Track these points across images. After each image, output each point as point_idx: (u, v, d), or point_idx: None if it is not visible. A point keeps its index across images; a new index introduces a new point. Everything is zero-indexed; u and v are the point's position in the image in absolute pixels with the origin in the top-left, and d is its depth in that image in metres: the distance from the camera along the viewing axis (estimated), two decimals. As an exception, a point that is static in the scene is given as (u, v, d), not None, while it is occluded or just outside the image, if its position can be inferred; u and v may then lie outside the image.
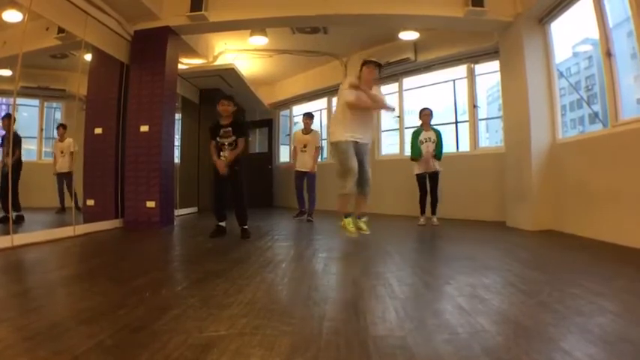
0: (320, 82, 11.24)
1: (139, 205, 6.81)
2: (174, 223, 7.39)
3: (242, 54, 9.98)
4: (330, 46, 9.54)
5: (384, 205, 9.27)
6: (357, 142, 4.89)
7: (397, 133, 9.78)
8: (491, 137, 10.51)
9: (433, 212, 7.09)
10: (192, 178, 10.43)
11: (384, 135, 10.25)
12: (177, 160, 8.78)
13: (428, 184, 7.07)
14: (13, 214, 5.36)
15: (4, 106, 6.10)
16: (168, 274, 3.61)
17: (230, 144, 5.47)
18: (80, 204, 6.63)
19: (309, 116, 8.07)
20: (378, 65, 5.00)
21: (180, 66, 8.10)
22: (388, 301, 2.50)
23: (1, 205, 5.34)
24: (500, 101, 7.46)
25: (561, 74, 6.48)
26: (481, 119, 8.52)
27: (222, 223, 5.64)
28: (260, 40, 8.96)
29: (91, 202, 6.81)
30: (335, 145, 4.92)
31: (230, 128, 5.48)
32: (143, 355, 1.69)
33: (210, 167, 5.69)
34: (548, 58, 6.40)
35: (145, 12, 6.67)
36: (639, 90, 5.10)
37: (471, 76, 8.42)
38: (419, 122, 7.28)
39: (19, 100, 6.37)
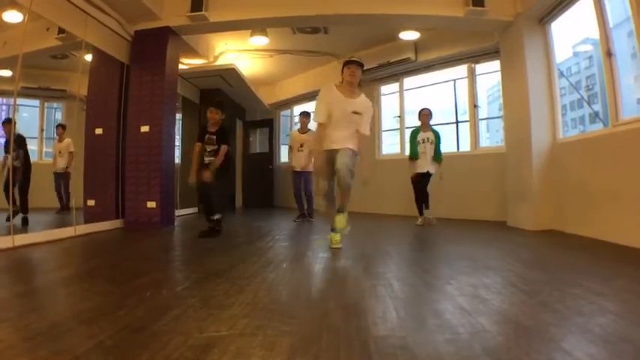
0: (321, 82, 11.18)
1: (140, 206, 6.82)
2: (175, 224, 7.39)
3: (243, 54, 9.98)
4: (331, 46, 9.54)
5: (384, 205, 9.28)
6: (333, 150, 4.54)
7: (398, 133, 9.78)
8: (491, 137, 10.51)
9: (427, 207, 7.09)
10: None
11: (384, 135, 10.25)
12: (177, 160, 8.77)
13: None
14: (19, 216, 5.39)
15: (4, 107, 6.10)
16: (168, 274, 3.61)
17: (211, 151, 5.55)
18: (77, 204, 6.61)
19: (305, 115, 7.98)
20: (360, 65, 4.67)
21: (180, 66, 8.10)
22: (389, 301, 2.50)
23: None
24: (501, 101, 7.47)
25: (562, 74, 6.48)
26: (482, 119, 8.53)
27: (216, 218, 5.67)
28: (260, 40, 8.97)
29: (91, 203, 6.82)
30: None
31: (215, 136, 5.57)
32: (143, 355, 1.69)
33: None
34: (548, 58, 6.40)
35: (146, 12, 6.67)
36: (639, 90, 5.10)
37: (472, 75, 8.42)
38: (418, 122, 7.26)
39: (20, 101, 6.37)
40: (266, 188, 12.79)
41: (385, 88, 10.16)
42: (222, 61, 9.61)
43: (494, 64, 7.86)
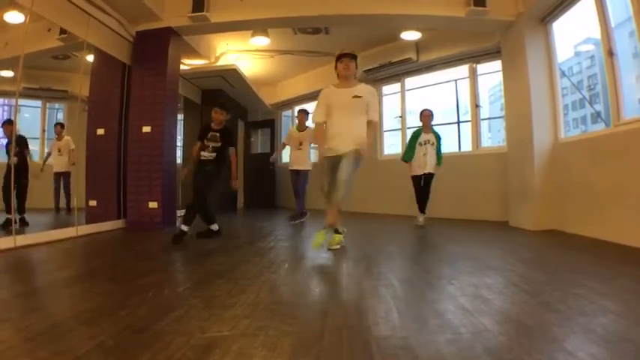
0: (322, 82, 11.16)
1: (141, 206, 6.83)
2: (177, 224, 7.38)
3: (244, 54, 9.99)
4: (332, 46, 9.52)
5: (385, 205, 9.28)
6: (334, 156, 4.50)
7: (399, 133, 9.78)
8: (493, 137, 10.48)
9: (422, 211, 7.05)
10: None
11: (386, 135, 10.25)
12: (179, 160, 8.78)
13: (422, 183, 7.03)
14: (17, 217, 5.38)
15: (6, 107, 6.11)
16: (170, 274, 3.61)
17: (214, 148, 5.52)
18: (78, 205, 6.61)
19: (303, 112, 7.90)
20: (352, 57, 4.64)
21: (182, 67, 8.09)
22: (390, 302, 2.50)
23: (5, 207, 5.37)
24: (503, 101, 7.47)
25: (563, 74, 6.47)
26: (483, 119, 8.52)
27: (185, 228, 5.38)
28: (262, 41, 8.97)
29: (93, 203, 6.82)
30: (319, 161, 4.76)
31: (218, 134, 5.55)
32: (145, 355, 1.69)
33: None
34: (550, 58, 6.39)
35: (147, 13, 6.68)
36: (641, 89, 5.10)
37: (473, 75, 8.41)
38: (420, 123, 7.24)
39: (21, 102, 6.36)
40: (268, 188, 12.79)
41: (387, 89, 10.15)
42: (223, 62, 9.62)
43: (496, 64, 7.85)
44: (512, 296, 2.62)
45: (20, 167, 5.52)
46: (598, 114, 5.94)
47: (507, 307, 2.41)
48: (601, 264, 3.77)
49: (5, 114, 6.09)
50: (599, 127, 5.84)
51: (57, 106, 7.34)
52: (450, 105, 8.92)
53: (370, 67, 9.41)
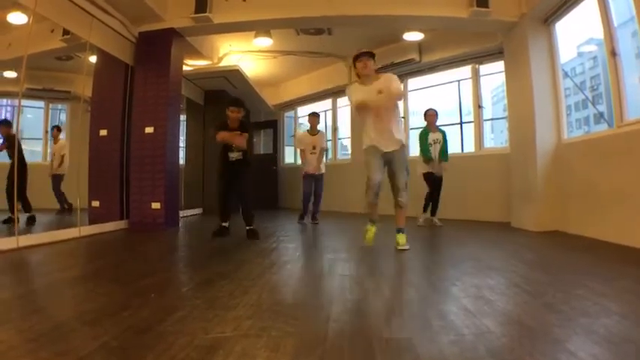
0: (325, 83, 11.24)
1: (144, 207, 6.83)
2: (180, 225, 7.40)
3: (247, 55, 9.99)
4: (335, 47, 9.54)
5: (387, 205, 9.27)
6: (384, 152, 4.57)
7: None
8: (496, 138, 10.51)
9: (433, 214, 7.09)
10: (197, 179, 10.46)
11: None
12: (181, 161, 8.79)
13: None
14: (24, 215, 5.40)
15: (9, 108, 6.13)
16: (173, 275, 3.61)
17: (237, 147, 5.48)
18: (81, 205, 6.62)
19: (315, 115, 7.79)
20: (370, 54, 4.65)
21: (184, 67, 8.11)
22: (393, 302, 2.50)
23: (9, 206, 5.40)
24: (505, 102, 7.45)
25: (566, 74, 6.47)
26: (486, 120, 8.52)
27: (226, 224, 5.65)
28: (264, 42, 8.97)
29: (96, 204, 6.83)
30: (363, 152, 4.71)
31: (238, 132, 5.48)
32: (148, 356, 1.69)
33: (213, 167, 5.69)
34: (553, 59, 6.38)
35: (150, 14, 6.69)
36: (644, 90, 5.09)
37: (476, 76, 8.41)
38: (424, 123, 7.25)
39: (25, 102, 6.40)
40: (270, 189, 12.79)
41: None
42: (226, 63, 9.63)
43: (499, 65, 7.84)
44: (515, 297, 2.62)
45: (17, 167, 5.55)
46: (601, 114, 5.94)
47: (510, 309, 2.41)
48: (603, 265, 3.77)
49: (8, 115, 6.11)
50: (602, 128, 5.82)
51: (60, 106, 7.36)
52: (452, 106, 8.92)
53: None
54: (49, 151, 7.13)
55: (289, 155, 13.38)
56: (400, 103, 5.04)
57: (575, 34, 6.60)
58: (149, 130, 6.87)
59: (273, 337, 1.92)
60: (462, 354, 1.72)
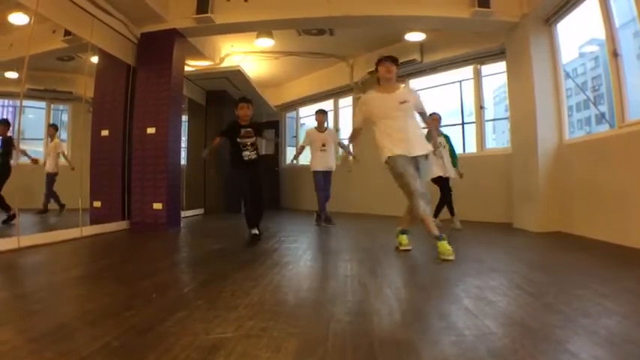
0: (326, 83, 11.25)
1: (146, 207, 6.84)
2: (181, 225, 7.40)
3: (248, 56, 10.00)
4: (336, 47, 9.55)
5: (390, 206, 9.27)
6: (413, 157, 4.34)
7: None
8: (498, 138, 10.49)
9: (452, 213, 6.96)
10: (198, 179, 10.46)
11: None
12: (183, 161, 8.80)
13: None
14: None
15: (10, 109, 6.14)
16: (175, 275, 3.61)
17: (252, 144, 5.40)
18: (83, 206, 6.61)
19: (322, 112, 7.65)
20: (394, 61, 4.48)
21: (186, 68, 8.11)
22: (394, 303, 2.50)
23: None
24: (507, 102, 7.45)
25: (568, 75, 6.46)
26: (488, 120, 8.50)
27: (256, 230, 5.44)
28: (266, 42, 8.98)
29: (97, 204, 6.84)
30: (388, 163, 4.38)
31: (250, 129, 5.40)
32: (149, 356, 1.69)
33: (219, 168, 5.67)
34: (554, 59, 6.37)
35: (151, 14, 6.69)
36: (646, 90, 5.08)
37: (478, 77, 8.40)
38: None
39: (26, 103, 6.40)
40: (272, 190, 12.77)
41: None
42: (227, 63, 9.63)
43: (500, 65, 7.84)
44: (516, 298, 2.62)
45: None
46: (602, 115, 5.93)
47: (511, 309, 2.41)
48: (604, 266, 3.77)
49: (10, 115, 6.11)
50: (604, 129, 5.82)
51: (61, 107, 7.36)
52: (454, 106, 8.92)
53: (374, 69, 9.40)
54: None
55: (291, 156, 13.32)
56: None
57: (577, 35, 6.58)
58: (151, 130, 6.87)
59: (274, 337, 1.92)
60: (463, 354, 1.72)
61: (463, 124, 8.75)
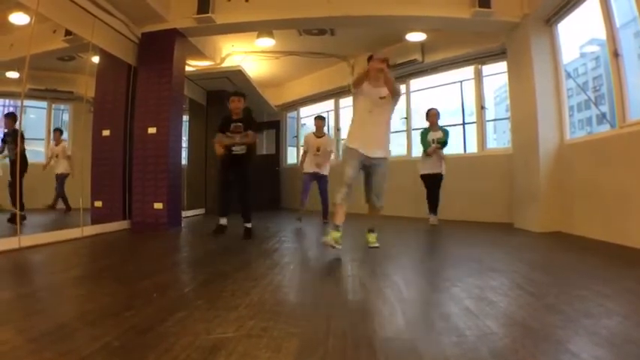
0: (327, 83, 11.25)
1: (147, 207, 6.84)
2: (182, 225, 7.40)
3: (249, 56, 10.00)
4: (337, 47, 9.54)
5: (391, 206, 9.27)
6: (367, 157, 4.49)
7: (404, 134, 9.76)
8: (498, 138, 10.46)
9: (433, 212, 7.15)
10: (199, 179, 10.46)
11: (390, 136, 10.21)
12: (184, 161, 8.79)
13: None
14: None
15: (11, 108, 6.14)
16: (175, 275, 3.61)
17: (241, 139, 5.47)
18: (81, 205, 6.61)
19: (320, 118, 7.77)
20: (384, 60, 4.47)
21: (187, 68, 8.11)
22: (395, 303, 2.50)
23: (11, 201, 5.42)
24: (508, 102, 7.44)
25: (569, 75, 6.46)
26: (489, 120, 8.49)
27: (224, 221, 5.67)
28: (267, 42, 8.98)
29: (98, 204, 6.84)
30: (344, 149, 4.68)
31: (241, 123, 5.46)
32: (150, 356, 1.69)
33: (214, 162, 5.66)
34: (555, 59, 6.37)
35: (152, 14, 6.69)
36: (647, 91, 5.07)
37: (479, 77, 8.40)
38: (427, 123, 7.26)
39: (27, 102, 6.40)
40: (273, 190, 12.77)
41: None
42: (228, 63, 9.63)
43: (501, 66, 7.84)
44: (517, 298, 2.62)
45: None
46: (603, 115, 5.92)
47: (512, 310, 2.40)
48: (605, 266, 3.76)
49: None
50: (605, 129, 5.81)
51: (62, 107, 7.36)
52: (455, 106, 8.91)
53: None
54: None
55: (292, 156, 13.37)
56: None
57: (578, 35, 6.57)
58: (152, 130, 6.87)
59: (275, 337, 1.92)
60: (464, 355, 1.72)
61: (464, 124, 8.75)
